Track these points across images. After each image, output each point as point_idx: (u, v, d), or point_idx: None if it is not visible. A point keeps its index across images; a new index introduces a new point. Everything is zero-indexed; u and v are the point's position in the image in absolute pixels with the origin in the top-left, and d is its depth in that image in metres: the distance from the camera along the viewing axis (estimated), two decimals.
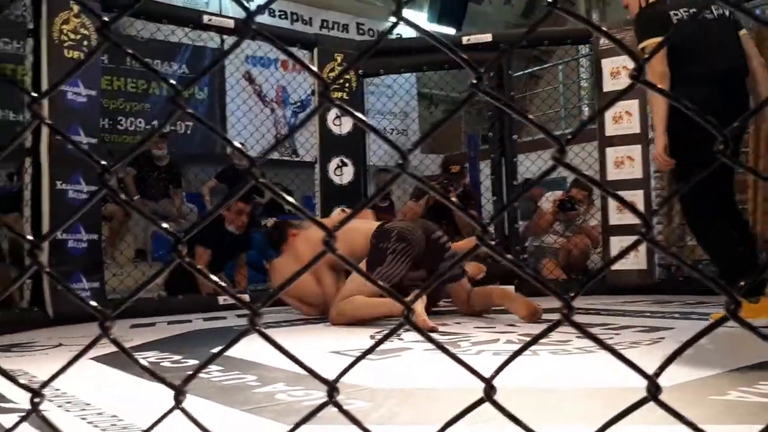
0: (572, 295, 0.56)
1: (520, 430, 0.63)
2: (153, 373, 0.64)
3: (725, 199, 2.92)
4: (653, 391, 0.52)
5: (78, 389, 1.91)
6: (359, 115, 0.62)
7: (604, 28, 0.68)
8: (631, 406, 0.55)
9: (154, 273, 0.65)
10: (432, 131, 0.66)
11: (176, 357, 2.60)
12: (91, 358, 2.42)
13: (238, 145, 0.63)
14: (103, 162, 0.61)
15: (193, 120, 0.65)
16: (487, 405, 0.63)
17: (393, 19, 0.57)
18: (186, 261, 0.60)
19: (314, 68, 0.62)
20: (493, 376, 0.60)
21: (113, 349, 2.61)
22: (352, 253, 3.55)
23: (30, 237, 0.62)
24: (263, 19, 8.05)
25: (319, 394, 1.79)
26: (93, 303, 0.63)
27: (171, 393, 0.64)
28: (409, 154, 0.57)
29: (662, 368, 0.54)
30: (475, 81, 0.56)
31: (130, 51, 0.60)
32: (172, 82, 0.58)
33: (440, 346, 0.62)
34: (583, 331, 0.56)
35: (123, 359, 2.39)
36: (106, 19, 0.57)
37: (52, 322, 3.93)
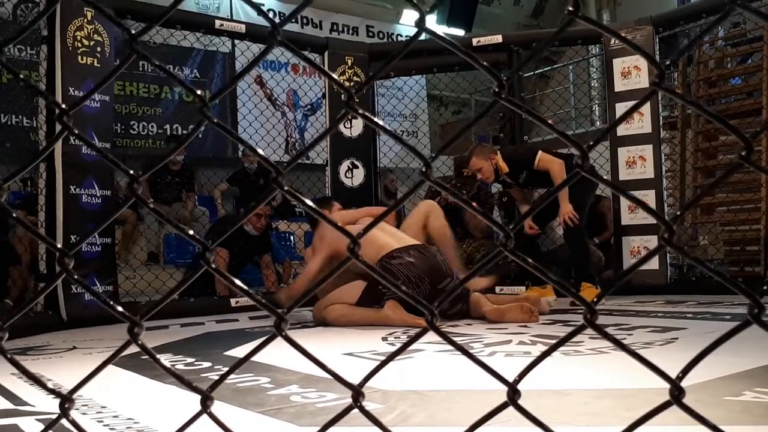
0: (595, 300, 0.56)
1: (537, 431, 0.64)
2: (181, 379, 0.65)
3: None
4: (676, 395, 0.52)
5: (94, 392, 1.93)
6: (381, 122, 0.63)
7: (622, 33, 0.68)
8: (654, 409, 0.55)
9: (183, 278, 0.66)
10: (457, 136, 0.67)
11: (190, 359, 2.61)
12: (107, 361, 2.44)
13: (263, 153, 0.63)
14: (131, 171, 0.62)
15: (212, 126, 0.66)
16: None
17: (410, 26, 0.58)
18: (213, 268, 0.61)
19: (334, 76, 0.63)
20: (517, 381, 0.60)
21: (128, 351, 2.60)
22: (356, 264, 3.57)
23: (59, 245, 0.63)
24: None
25: (333, 396, 1.79)
26: (120, 308, 0.64)
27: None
28: (432, 161, 0.58)
29: (685, 372, 0.54)
30: (497, 89, 0.57)
31: (157, 63, 0.61)
32: (199, 92, 0.59)
33: (462, 350, 0.63)
34: (606, 335, 0.57)
35: (139, 362, 2.41)
36: (133, 31, 0.58)
37: (66, 325, 3.97)
